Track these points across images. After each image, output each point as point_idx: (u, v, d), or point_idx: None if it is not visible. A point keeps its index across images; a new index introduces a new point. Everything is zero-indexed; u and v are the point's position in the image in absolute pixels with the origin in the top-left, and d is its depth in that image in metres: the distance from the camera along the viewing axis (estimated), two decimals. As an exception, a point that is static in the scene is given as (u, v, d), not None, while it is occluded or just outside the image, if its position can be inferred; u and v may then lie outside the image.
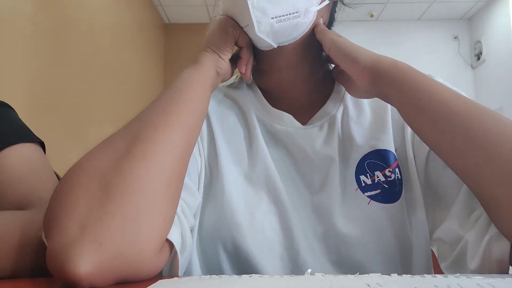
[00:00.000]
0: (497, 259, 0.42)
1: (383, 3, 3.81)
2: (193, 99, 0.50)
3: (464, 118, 0.43)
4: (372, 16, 4.01)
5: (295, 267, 0.54)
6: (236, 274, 0.52)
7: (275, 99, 0.63)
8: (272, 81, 0.64)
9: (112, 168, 0.40)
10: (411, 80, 0.48)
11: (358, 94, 0.58)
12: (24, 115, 0.70)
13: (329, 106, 0.62)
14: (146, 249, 0.38)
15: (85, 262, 0.34)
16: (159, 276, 0.41)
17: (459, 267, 0.49)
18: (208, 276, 0.39)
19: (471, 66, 4.08)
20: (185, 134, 0.47)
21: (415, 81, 0.48)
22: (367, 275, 0.36)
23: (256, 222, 0.55)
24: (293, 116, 0.61)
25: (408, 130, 0.59)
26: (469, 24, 4.15)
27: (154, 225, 0.39)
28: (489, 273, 0.43)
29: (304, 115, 0.62)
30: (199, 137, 0.60)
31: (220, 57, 0.57)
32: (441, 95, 0.46)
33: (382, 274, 0.36)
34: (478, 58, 3.96)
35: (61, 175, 0.69)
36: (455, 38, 4.13)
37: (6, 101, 0.68)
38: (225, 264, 0.54)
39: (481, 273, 0.42)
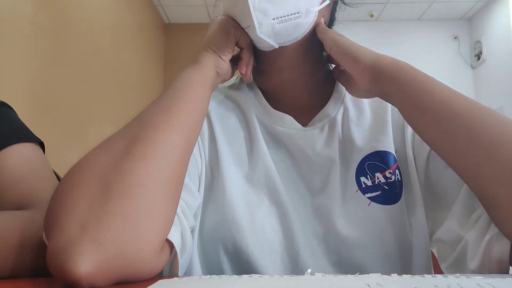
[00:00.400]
0: (497, 259, 0.42)
1: (383, 3, 3.81)
2: (193, 99, 0.50)
3: (466, 118, 0.43)
4: (372, 16, 4.01)
5: (296, 268, 0.54)
6: (237, 275, 0.52)
7: (275, 100, 0.63)
8: (273, 81, 0.64)
9: (112, 168, 0.40)
10: (412, 79, 0.48)
11: (359, 93, 0.58)
12: (24, 115, 0.70)
13: (329, 107, 0.62)
14: (146, 249, 0.38)
15: (85, 262, 0.34)
16: (159, 276, 0.41)
17: (459, 267, 0.49)
18: (208, 276, 0.39)
19: (471, 66, 4.08)
20: (185, 134, 0.47)
21: (416, 81, 0.48)
22: (367, 275, 0.36)
23: (257, 223, 0.55)
24: (293, 117, 0.61)
25: (409, 130, 0.59)
26: (469, 24, 4.15)
27: (154, 225, 0.39)
28: (489, 273, 0.43)
29: (305, 116, 0.62)
30: (200, 138, 0.60)
31: (221, 58, 0.57)
32: (443, 94, 0.46)
33: (382, 274, 0.36)
34: (478, 58, 3.96)
35: (61, 175, 0.69)
36: (455, 38, 4.13)
37: (6, 101, 0.68)
38: (226, 265, 0.54)
39: (481, 273, 0.42)
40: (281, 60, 0.60)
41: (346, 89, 0.61)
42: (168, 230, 0.42)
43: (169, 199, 0.42)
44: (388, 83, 0.50)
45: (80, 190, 0.39)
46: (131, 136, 0.43)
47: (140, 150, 0.42)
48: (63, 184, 0.40)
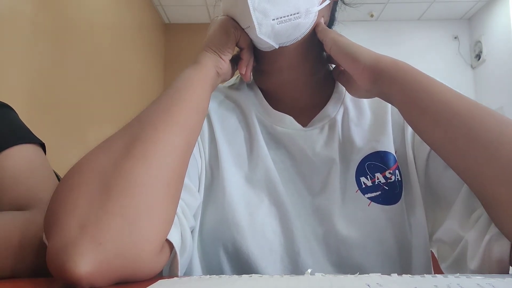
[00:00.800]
0: (497, 259, 0.42)
1: (383, 3, 3.81)
2: (193, 99, 0.50)
3: (466, 118, 0.43)
4: (372, 16, 4.00)
5: (296, 269, 0.54)
6: (237, 275, 0.52)
7: (275, 100, 0.63)
8: (273, 82, 0.64)
9: (112, 168, 0.40)
10: (412, 79, 0.48)
11: (359, 93, 0.58)
12: (24, 115, 0.70)
13: (329, 107, 0.62)
14: (146, 249, 0.38)
15: (85, 262, 0.34)
16: (159, 276, 0.41)
17: (459, 267, 0.49)
18: (208, 276, 0.39)
19: (471, 66, 4.08)
20: (186, 134, 0.47)
21: (416, 81, 0.48)
22: (367, 275, 0.36)
23: (257, 223, 0.55)
24: (293, 117, 0.61)
25: (408, 131, 0.59)
26: (469, 24, 4.15)
27: (154, 225, 0.39)
28: (489, 273, 0.43)
29: (305, 116, 0.62)
30: (200, 138, 0.60)
31: (221, 58, 0.57)
32: (443, 95, 0.46)
33: (382, 274, 0.36)
34: (478, 58, 3.96)
35: (61, 175, 0.69)
36: (455, 38, 4.13)
37: (6, 101, 0.68)
38: (226, 265, 0.54)
39: (481, 273, 0.42)
40: (281, 60, 0.60)
41: (346, 89, 0.61)
42: (168, 230, 0.42)
43: (169, 199, 0.42)
44: (388, 83, 0.50)
45: (80, 190, 0.39)
46: (131, 136, 0.43)
47: (140, 150, 0.42)
48: (63, 184, 0.40)
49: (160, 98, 0.49)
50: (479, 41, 3.94)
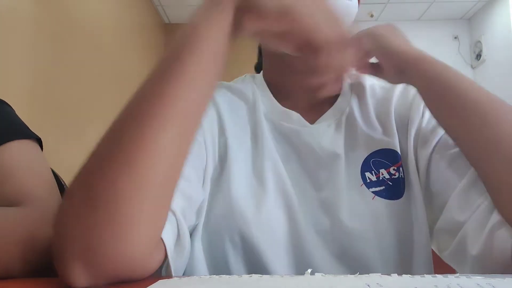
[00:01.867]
0: (499, 246, 0.43)
1: (383, 3, 3.81)
2: (197, 76, 0.42)
3: (482, 106, 0.47)
4: (372, 16, 4.01)
5: (300, 260, 0.55)
6: (242, 266, 0.54)
7: (283, 97, 0.64)
8: (289, 80, 0.64)
9: (98, 175, 0.37)
10: (436, 73, 0.53)
11: (390, 79, 0.61)
12: (24, 115, 0.70)
13: (337, 106, 0.64)
14: (136, 254, 0.37)
15: (78, 276, 0.35)
16: (158, 276, 0.41)
17: (460, 255, 0.50)
18: (208, 276, 0.39)
19: (471, 66, 4.08)
20: (180, 129, 0.41)
21: (440, 74, 0.53)
22: (367, 275, 0.36)
23: (263, 214, 0.55)
24: (301, 114, 0.62)
25: (412, 133, 0.60)
26: (469, 24, 4.15)
27: (142, 231, 0.37)
28: (491, 260, 0.44)
29: (312, 114, 0.63)
30: (209, 130, 0.59)
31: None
32: (462, 85, 0.50)
33: (382, 274, 0.36)
34: (478, 58, 3.96)
35: (60, 174, 0.69)
36: (455, 38, 4.13)
37: (7, 101, 0.67)
38: (231, 256, 0.55)
39: (483, 260, 0.44)
40: (301, 64, 0.57)
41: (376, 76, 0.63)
42: (158, 234, 0.40)
43: (158, 205, 0.39)
44: (412, 75, 0.54)
45: (72, 198, 0.38)
46: (115, 138, 0.40)
47: (124, 156, 0.38)
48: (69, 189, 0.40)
49: (152, 80, 0.43)
50: (479, 41, 3.94)
